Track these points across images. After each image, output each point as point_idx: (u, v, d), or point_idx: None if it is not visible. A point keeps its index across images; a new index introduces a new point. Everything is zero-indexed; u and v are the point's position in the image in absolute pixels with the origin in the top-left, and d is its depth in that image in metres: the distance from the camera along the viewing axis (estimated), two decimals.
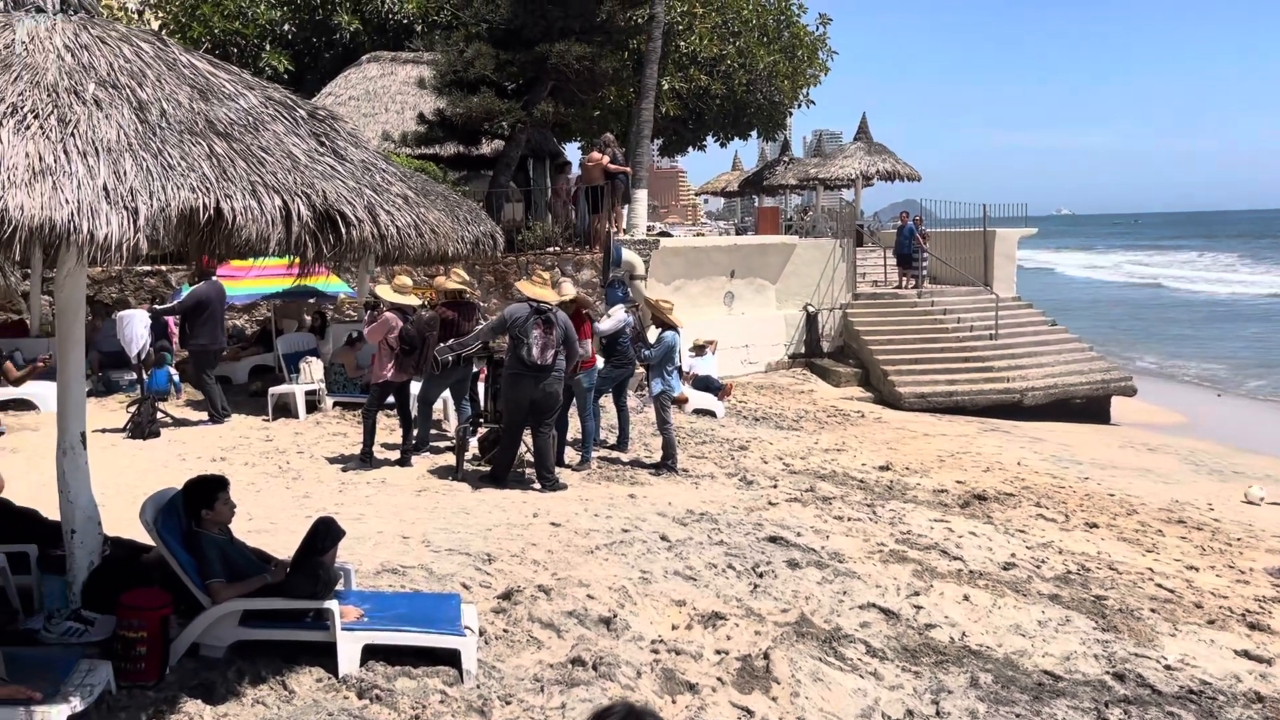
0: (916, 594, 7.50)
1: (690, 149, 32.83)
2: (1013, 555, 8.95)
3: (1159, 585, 8.61)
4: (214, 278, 12.46)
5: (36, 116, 3.95)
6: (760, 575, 7.53)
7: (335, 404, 13.17)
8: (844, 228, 23.62)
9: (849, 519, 9.60)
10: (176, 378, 13.44)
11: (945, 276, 24.62)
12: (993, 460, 14.11)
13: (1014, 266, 25.09)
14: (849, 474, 12.01)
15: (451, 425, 11.54)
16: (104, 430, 11.24)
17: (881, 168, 29.75)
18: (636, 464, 11.10)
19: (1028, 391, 19.38)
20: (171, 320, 14.96)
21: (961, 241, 24.78)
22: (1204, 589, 8.68)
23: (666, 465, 10.84)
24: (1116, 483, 13.15)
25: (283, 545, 6.19)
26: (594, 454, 11.04)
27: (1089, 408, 19.84)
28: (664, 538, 8.17)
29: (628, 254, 13.92)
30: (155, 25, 25.62)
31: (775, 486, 10.70)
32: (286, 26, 25.38)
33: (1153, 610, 7.87)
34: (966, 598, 7.55)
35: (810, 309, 21.64)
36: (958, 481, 12.27)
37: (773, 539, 8.45)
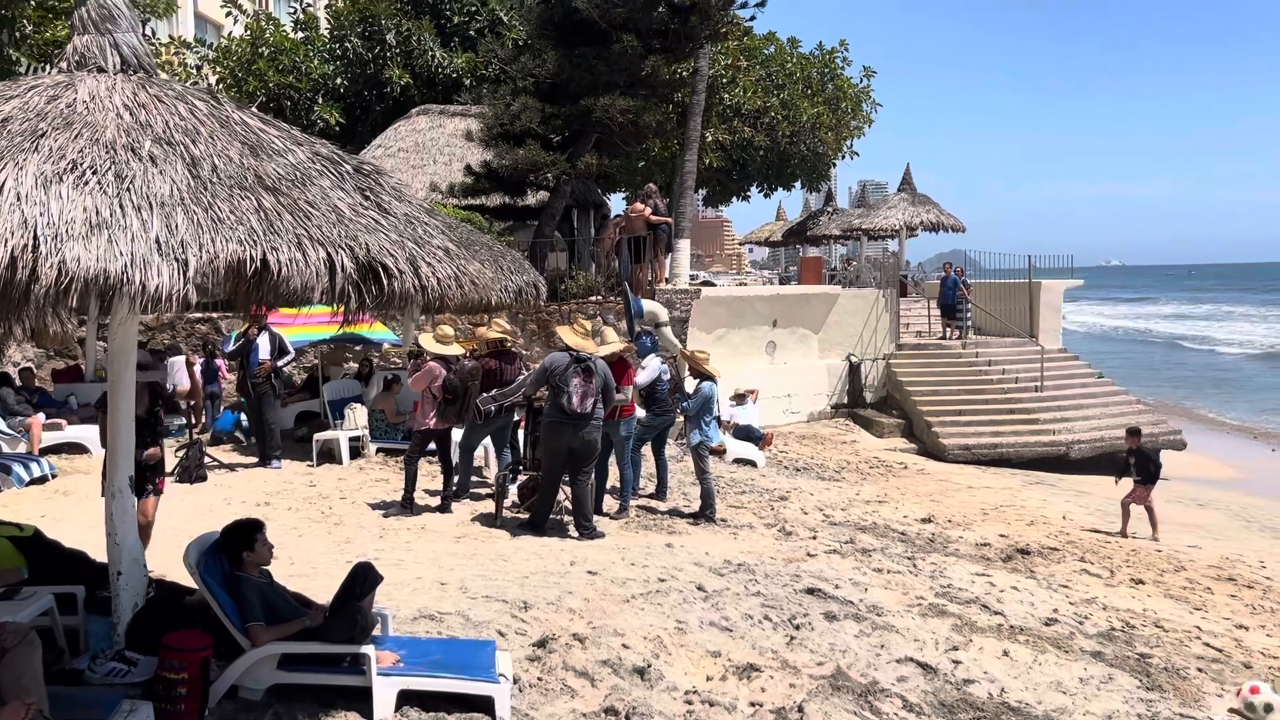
0: (955, 649, 7.42)
1: (734, 199, 33.11)
2: (1055, 611, 8.82)
3: (1206, 644, 8.44)
4: (269, 326, 12.73)
5: (95, 172, 4.12)
6: (797, 627, 7.49)
7: (378, 450, 13.33)
8: (888, 278, 23.60)
9: (889, 571, 9.52)
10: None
11: (990, 327, 24.47)
12: (1037, 514, 13.93)
13: (1059, 318, 24.90)
14: (890, 526, 11.92)
15: (492, 472, 11.63)
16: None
17: (925, 218, 29.78)
18: (675, 513, 11.10)
19: (1074, 444, 19.14)
20: (223, 365, 15.30)
21: (1006, 292, 24.66)
22: (1253, 649, 8.49)
23: (705, 515, 10.83)
24: (1164, 538, 12.92)
25: (323, 590, 6.28)
26: (632, 502, 11.06)
27: None
28: (700, 588, 8.16)
29: (649, 303, 14.02)
30: (213, 79, 26.39)
31: (814, 538, 10.64)
32: (339, 80, 26.02)
33: (1199, 670, 7.71)
34: (1006, 653, 7.46)
35: (853, 359, 21.58)
36: (1001, 535, 12.13)
37: (810, 590, 8.41)
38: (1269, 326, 67.21)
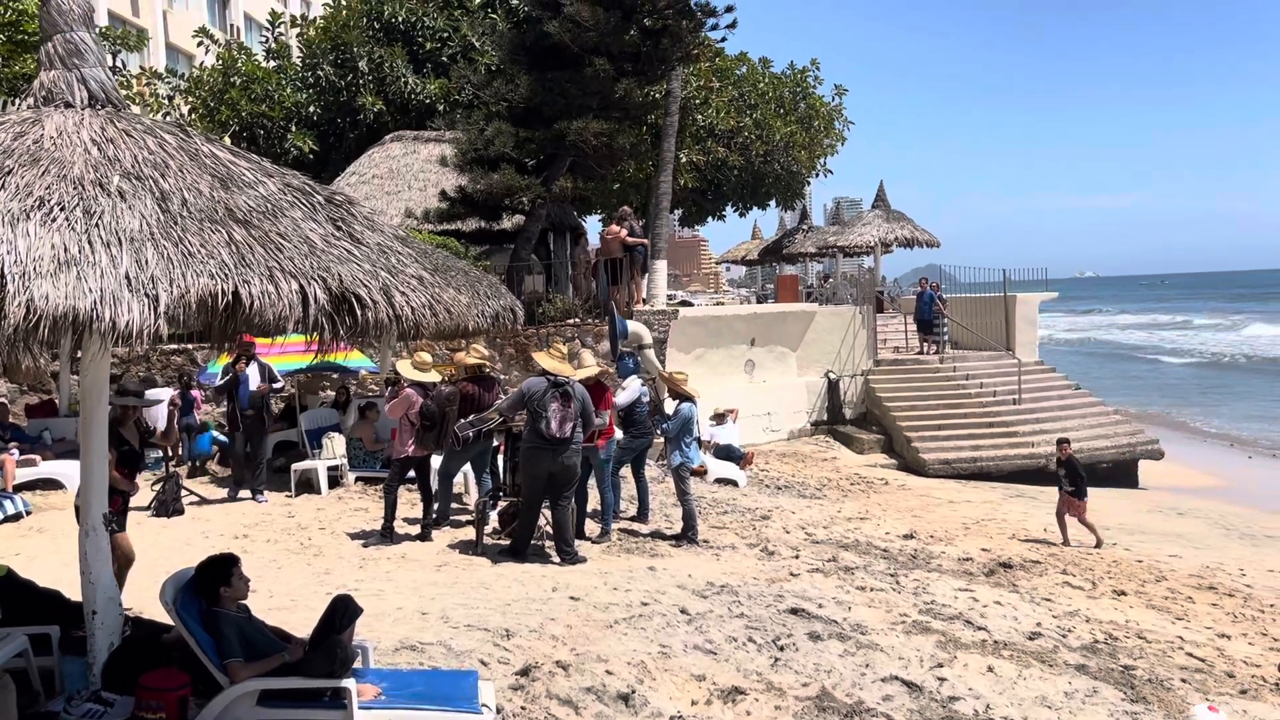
0: (940, 665, 7.41)
1: (710, 219, 33.21)
2: (1039, 624, 8.84)
3: (1189, 654, 8.47)
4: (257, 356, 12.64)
5: (63, 209, 4.08)
6: (781, 648, 7.47)
7: (357, 479, 13.24)
8: (864, 294, 23.72)
9: (872, 589, 9.52)
10: (219, 435, 13.75)
11: (967, 341, 24.61)
12: (1018, 527, 13.98)
13: (1035, 330, 25.08)
14: (872, 543, 11.92)
15: (472, 499, 11.57)
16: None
17: (900, 234, 29.98)
18: (657, 535, 11.07)
19: (1053, 456, 19.15)
20: (199, 395, 15.19)
21: (982, 306, 24.82)
22: (1236, 658, 8.52)
23: (687, 536, 10.81)
24: (1145, 548, 12.98)
25: (303, 622, 6.22)
26: (614, 525, 11.03)
27: (1115, 472, 19.65)
28: (684, 611, 8.13)
29: (633, 325, 13.99)
30: (185, 110, 26.31)
31: (797, 557, 10.63)
32: (312, 108, 25.98)
33: (1183, 680, 7.73)
34: (991, 669, 7.46)
35: (832, 376, 21.63)
36: (983, 549, 12.16)
37: (794, 611, 8.39)
38: (1245, 334, 67.98)
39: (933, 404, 21.06)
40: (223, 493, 12.64)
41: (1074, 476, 13.01)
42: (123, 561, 7.33)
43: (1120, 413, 23.23)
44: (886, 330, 25.06)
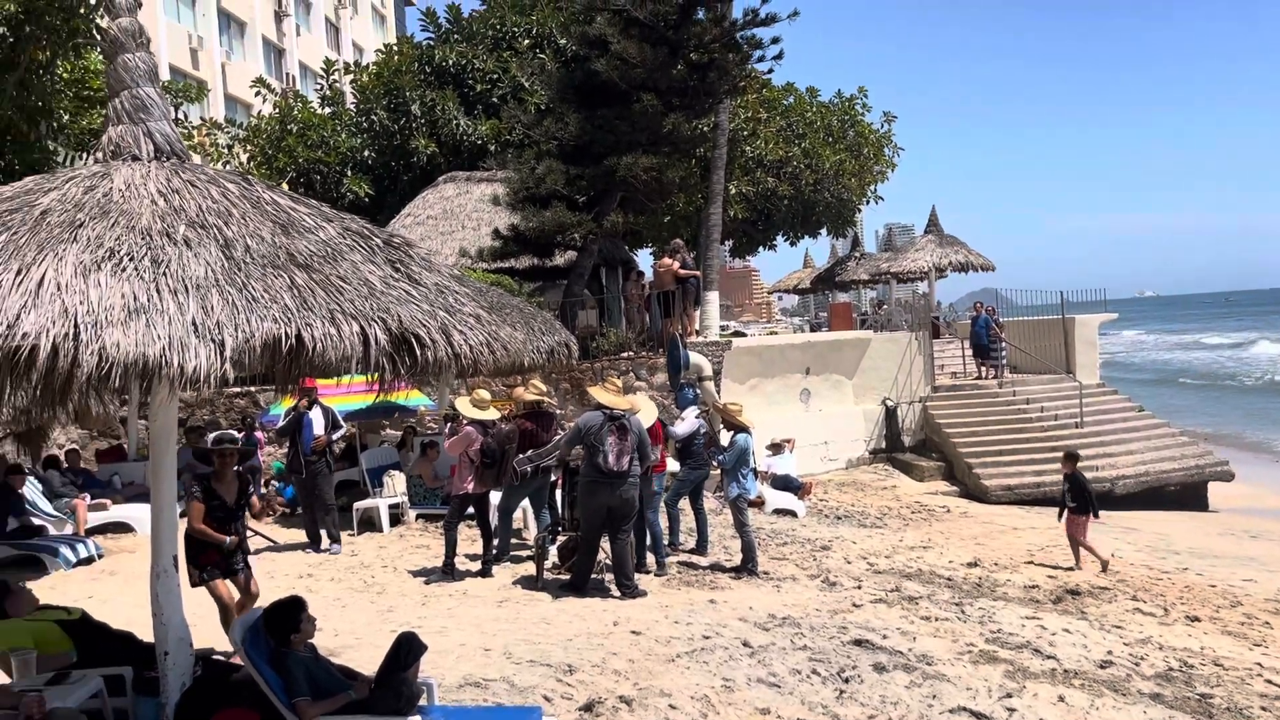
0: (1009, 696, 7.27)
1: (760, 249, 33.23)
2: (1110, 652, 8.64)
3: (1269, 681, 8.22)
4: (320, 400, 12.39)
5: (132, 259, 4.21)
6: (846, 681, 7.38)
7: (418, 516, 13.36)
8: (919, 320, 23.54)
9: (937, 619, 9.38)
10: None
11: (1025, 365, 24.29)
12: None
13: (1096, 352, 24.68)
14: (935, 572, 11.76)
15: (531, 534, 11.62)
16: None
17: (954, 259, 29.73)
18: (716, 567, 11.02)
19: (1118, 480, 18.87)
20: (261, 437, 15.44)
21: (1040, 329, 24.51)
22: None
23: (747, 568, 10.74)
24: (1218, 573, 12.66)
25: (368, 660, 6.27)
26: (672, 558, 11.02)
27: (1184, 495, 19.23)
28: (746, 644, 8.07)
29: (695, 356, 13.98)
30: (244, 158, 26.95)
31: (859, 587, 10.52)
32: (367, 153, 26.49)
33: (1263, 708, 7.50)
34: (1062, 699, 7.30)
35: (889, 403, 21.46)
36: (1049, 576, 11.94)
37: (858, 642, 8.30)
38: None
39: (993, 429, 20.79)
40: (287, 534, 12.80)
41: (1079, 493, 12.63)
42: (226, 609, 7.34)
43: (1188, 434, 22.75)
44: (943, 356, 24.82)
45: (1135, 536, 15.26)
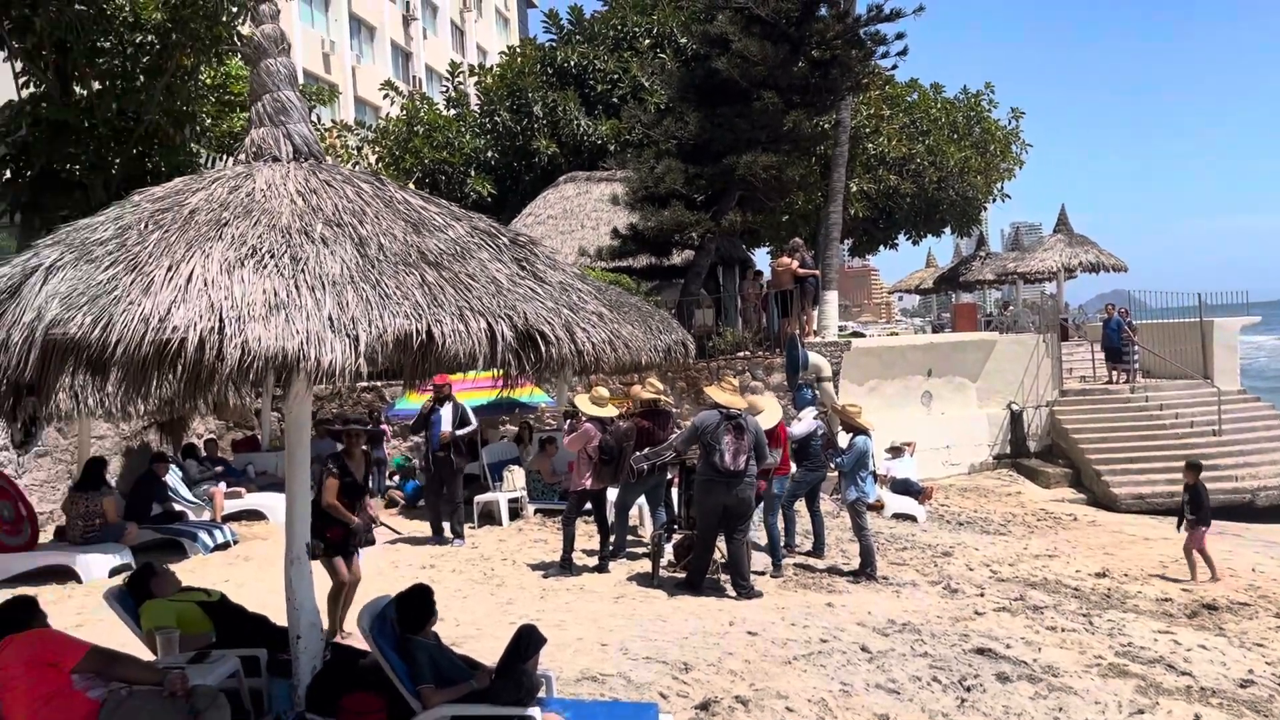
0: (1140, 712, 7.01)
1: (881, 248, 32.73)
2: (1250, 671, 8.24)
3: None
4: (453, 396, 12.47)
5: (273, 256, 4.38)
6: (968, 689, 7.22)
7: (536, 511, 13.56)
8: (1047, 322, 22.85)
9: (1063, 629, 9.09)
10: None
11: (1159, 370, 23.37)
12: (1223, 566, 13.08)
13: (1236, 357, 23.58)
14: (1062, 581, 11.40)
15: (647, 531, 11.68)
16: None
17: (1084, 259, 28.79)
18: (833, 571, 10.90)
19: (1260, 491, 17.99)
20: (388, 430, 15.88)
21: (1176, 333, 23.54)
22: None
23: (865, 573, 10.59)
24: None
25: (487, 651, 6.40)
26: (789, 560, 10.94)
27: None
28: (864, 648, 7.96)
29: (814, 357, 13.81)
30: (373, 159, 27.75)
31: (982, 595, 10.27)
32: (490, 153, 26.99)
33: None
34: (1198, 718, 7.00)
35: (1014, 407, 20.89)
36: (1184, 589, 11.46)
37: (980, 651, 8.10)
38: None
39: (1124, 436, 20.06)
40: (411, 525, 13.12)
41: (1198, 504, 12.11)
42: (339, 585, 7.80)
43: None
44: (1072, 359, 24.03)
45: (1279, 551, 14.52)
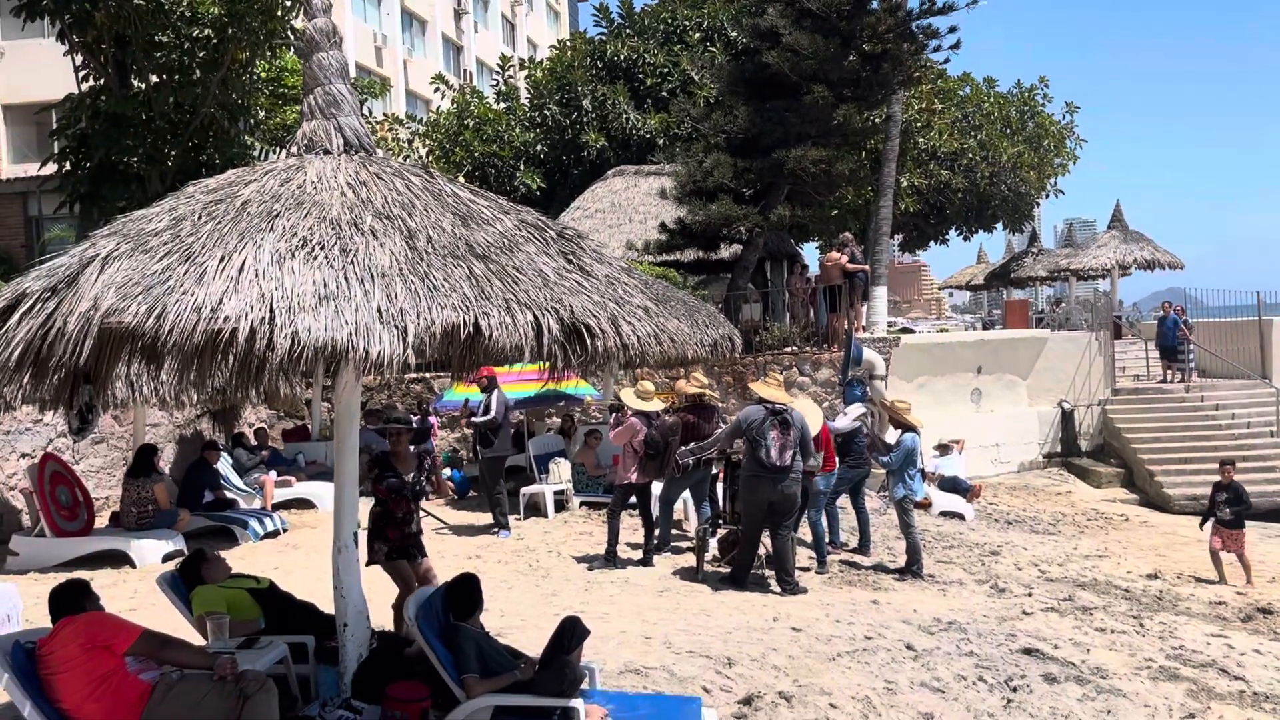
0: (1191, 716, 6.89)
1: (931, 243, 32.40)
2: None
3: None
4: (499, 388, 12.42)
5: (322, 248, 4.44)
6: (1014, 690, 7.14)
7: (581, 504, 13.60)
8: (1100, 319, 22.50)
9: (1113, 631, 8.96)
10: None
11: (1215, 370, 22.92)
12: (1279, 569, 12.84)
13: None
14: (1112, 582, 11.23)
15: (691, 526, 11.66)
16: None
17: (1139, 256, 28.33)
18: (879, 568, 10.82)
19: None
20: (435, 423, 15.98)
21: (1233, 331, 23.08)
22: None
23: (911, 570, 10.50)
24: None
25: (531, 642, 6.43)
26: (834, 556, 10.89)
27: None
28: (909, 646, 7.90)
29: (869, 353, 13.69)
30: (423, 151, 27.96)
31: (1030, 595, 10.14)
32: (539, 147, 27.08)
33: None
34: None
35: (1065, 405, 20.61)
36: (1238, 593, 11.24)
37: (1027, 651, 8.01)
38: None
39: (1178, 435, 19.71)
40: (457, 515, 13.22)
41: (1236, 504, 11.84)
42: (406, 592, 7.11)
43: None
44: (1125, 358, 23.64)
45: None
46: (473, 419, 12.32)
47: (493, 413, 12.31)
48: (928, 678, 7.25)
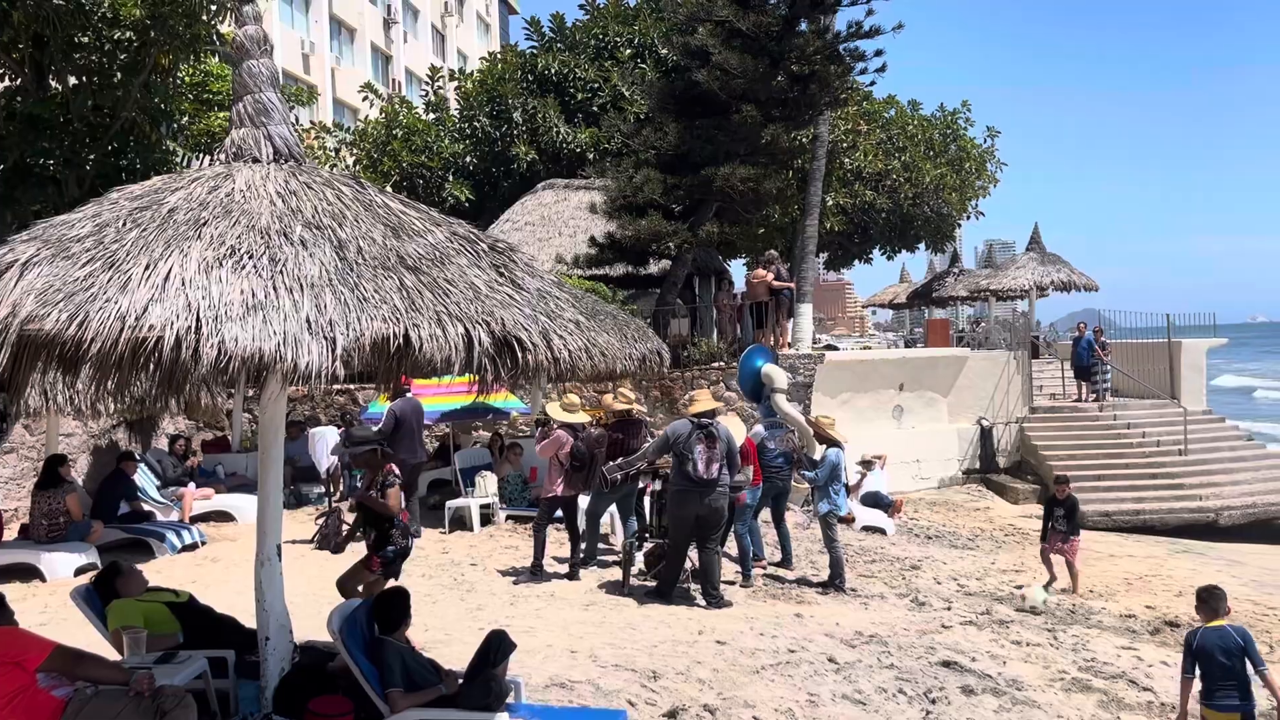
0: None
1: (856, 262, 32.89)
2: None
3: None
4: (410, 395, 12.46)
5: (251, 257, 4.39)
6: (933, 701, 7.28)
7: (508, 517, 13.53)
8: (1018, 339, 23.07)
9: (1028, 644, 9.18)
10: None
11: (1128, 389, 23.64)
12: (1185, 584, 13.22)
13: (1203, 378, 23.90)
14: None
15: (618, 540, 11.69)
16: (294, 541, 11.83)
17: (1056, 278, 29.10)
18: (803, 582, 10.95)
19: (1223, 511, 18.23)
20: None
21: (1144, 353, 23.83)
22: None
23: (834, 584, 10.65)
24: None
25: (456, 656, 6.40)
26: (758, 570, 10.99)
27: None
28: (832, 659, 8.01)
29: (769, 366, 13.72)
30: (351, 161, 27.67)
31: (949, 608, 10.35)
32: (469, 158, 26.98)
33: None
34: None
35: (984, 423, 21.06)
36: (1147, 606, 11.59)
37: (946, 663, 8.17)
38: None
39: (1092, 453, 20.29)
40: None
41: (1071, 516, 12.43)
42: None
43: None
44: (1042, 376, 24.27)
45: (1240, 570, 14.70)
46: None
47: (380, 425, 12.25)
48: (849, 690, 7.36)
